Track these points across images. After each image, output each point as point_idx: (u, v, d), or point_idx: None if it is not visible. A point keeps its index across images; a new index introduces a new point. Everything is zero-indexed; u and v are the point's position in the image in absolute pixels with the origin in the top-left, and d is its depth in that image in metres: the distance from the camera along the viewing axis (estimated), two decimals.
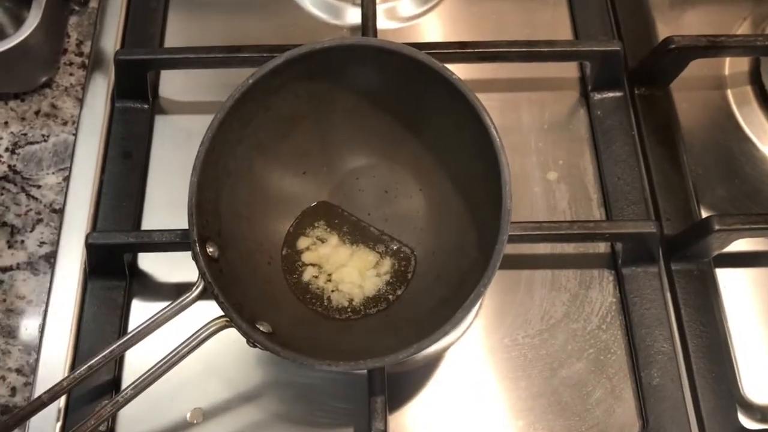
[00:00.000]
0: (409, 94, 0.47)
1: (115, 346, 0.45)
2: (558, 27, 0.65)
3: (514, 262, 0.55)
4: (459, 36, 0.64)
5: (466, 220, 0.47)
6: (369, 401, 0.46)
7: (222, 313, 0.44)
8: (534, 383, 0.52)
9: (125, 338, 0.45)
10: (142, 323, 0.45)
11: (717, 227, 0.50)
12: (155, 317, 0.45)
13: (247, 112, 0.47)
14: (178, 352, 0.44)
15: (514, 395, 0.51)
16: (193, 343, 0.44)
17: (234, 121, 0.46)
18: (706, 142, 0.61)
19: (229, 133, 0.46)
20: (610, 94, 0.61)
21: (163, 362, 0.43)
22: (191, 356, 0.45)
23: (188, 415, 0.51)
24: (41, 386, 0.50)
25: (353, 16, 0.65)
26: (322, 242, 0.52)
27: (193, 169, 0.45)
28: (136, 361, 0.52)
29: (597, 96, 0.61)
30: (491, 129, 0.42)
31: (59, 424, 0.50)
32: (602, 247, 0.56)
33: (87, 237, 0.52)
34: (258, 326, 0.44)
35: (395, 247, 0.51)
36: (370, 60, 0.46)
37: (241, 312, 0.43)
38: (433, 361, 0.52)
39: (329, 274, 0.51)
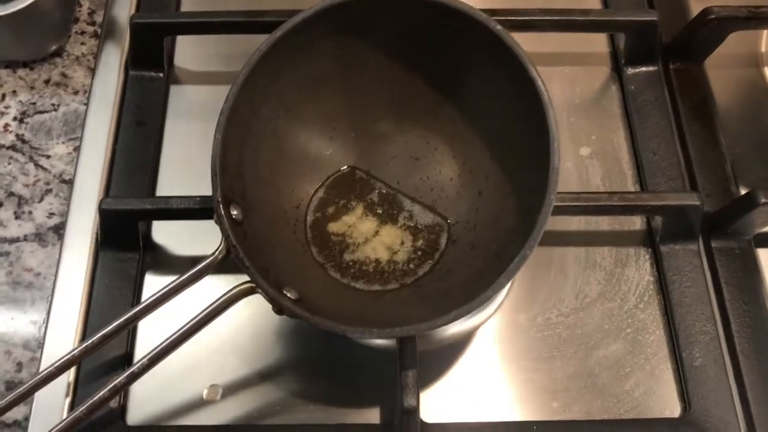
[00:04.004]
0: (446, 52, 0.45)
1: (131, 313, 0.42)
2: (588, 1, 0.63)
3: (546, 239, 0.52)
4: (483, 5, 0.61)
5: (504, 186, 0.45)
6: (399, 375, 0.43)
7: (245, 279, 0.41)
8: (569, 364, 0.49)
9: (141, 305, 0.43)
10: (160, 289, 0.43)
11: (763, 200, 0.48)
12: (174, 282, 0.42)
13: (274, 69, 0.44)
14: (200, 319, 0.41)
15: (548, 376, 0.49)
16: (216, 309, 0.41)
17: (260, 78, 0.44)
18: (743, 120, 0.59)
19: (254, 91, 0.44)
20: (644, 69, 0.59)
21: (186, 327, 0.41)
22: (208, 331, 0.43)
23: (205, 392, 0.48)
24: (48, 362, 0.46)
25: None
26: (349, 211, 0.49)
27: (217, 126, 0.42)
28: (149, 337, 0.49)
29: (630, 70, 0.59)
30: (538, 81, 0.39)
31: (68, 399, 0.47)
32: (638, 224, 0.54)
33: (100, 202, 0.49)
34: (285, 292, 0.41)
35: (427, 217, 0.49)
36: (405, 13, 0.44)
37: (266, 277, 0.40)
38: (464, 340, 0.50)
39: (356, 245, 0.48)
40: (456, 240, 0.47)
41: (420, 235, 0.48)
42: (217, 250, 0.43)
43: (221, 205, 0.41)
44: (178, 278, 0.43)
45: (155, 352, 0.41)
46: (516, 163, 0.44)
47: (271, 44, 0.43)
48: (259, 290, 0.40)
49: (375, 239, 0.48)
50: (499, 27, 0.41)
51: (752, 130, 0.58)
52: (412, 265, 0.47)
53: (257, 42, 0.46)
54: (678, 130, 0.57)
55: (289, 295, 0.41)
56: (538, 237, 0.39)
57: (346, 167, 0.50)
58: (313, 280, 0.45)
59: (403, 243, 0.48)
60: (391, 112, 0.49)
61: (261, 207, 0.45)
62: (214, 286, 0.44)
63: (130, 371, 0.41)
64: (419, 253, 0.48)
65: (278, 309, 0.40)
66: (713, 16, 0.55)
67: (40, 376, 0.42)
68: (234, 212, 0.42)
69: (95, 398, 0.41)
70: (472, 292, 0.40)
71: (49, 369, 0.42)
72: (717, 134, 0.57)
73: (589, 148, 0.57)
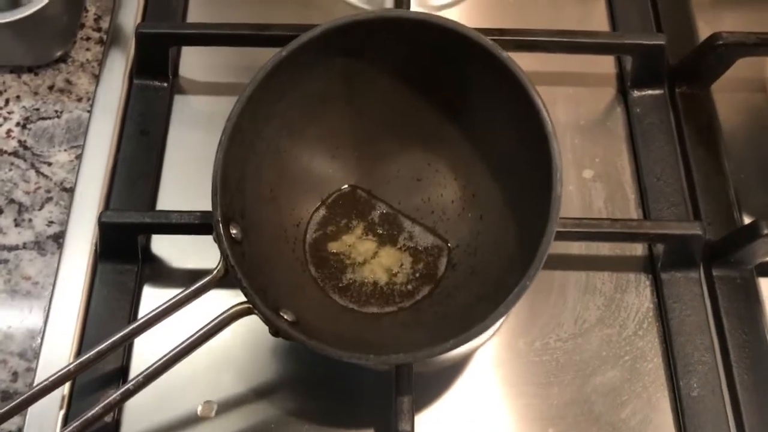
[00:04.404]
0: (450, 75, 0.45)
1: (127, 330, 0.42)
2: (594, 22, 0.63)
3: (547, 263, 0.51)
4: (490, 26, 0.61)
5: (505, 211, 0.45)
6: (395, 401, 0.43)
7: (242, 299, 0.41)
8: (566, 390, 0.49)
9: (137, 322, 0.42)
10: (156, 307, 0.42)
11: (766, 231, 0.48)
12: (170, 301, 0.42)
13: (278, 88, 0.44)
14: (194, 339, 0.41)
15: (544, 402, 0.49)
16: (212, 330, 0.41)
17: (264, 96, 0.43)
18: (748, 145, 0.58)
19: (258, 109, 0.44)
20: (650, 92, 0.58)
21: (178, 348, 0.41)
22: (204, 348, 0.42)
23: (199, 408, 0.48)
24: (44, 372, 0.47)
25: (387, 2, 0.63)
26: (349, 230, 0.49)
27: (219, 145, 0.42)
28: (146, 352, 0.49)
29: (636, 93, 0.58)
30: (542, 111, 0.39)
31: (62, 412, 0.47)
32: (639, 250, 0.53)
33: (100, 215, 0.49)
34: (282, 314, 0.41)
35: (427, 239, 0.49)
36: (411, 36, 0.43)
37: (264, 298, 0.40)
38: (461, 363, 0.49)
39: (355, 265, 0.48)
40: (456, 264, 0.47)
41: (420, 257, 0.48)
42: (215, 268, 0.42)
43: (221, 225, 0.41)
44: (175, 296, 0.42)
45: (150, 370, 0.41)
46: (518, 188, 0.44)
47: (276, 63, 0.42)
48: (256, 312, 0.40)
49: (374, 260, 0.48)
50: (504, 54, 0.40)
51: (757, 156, 0.58)
52: (410, 288, 0.47)
53: (264, 54, 0.46)
54: (682, 154, 0.56)
55: (286, 317, 0.41)
56: (539, 268, 0.38)
57: (347, 186, 0.50)
58: (311, 300, 0.45)
59: (402, 265, 0.48)
60: (394, 133, 0.49)
61: (261, 225, 0.45)
62: (215, 299, 0.44)
63: (124, 388, 0.41)
64: (418, 276, 0.47)
65: (275, 331, 0.40)
66: (721, 42, 0.55)
67: (33, 390, 0.42)
68: (233, 231, 0.42)
69: (88, 415, 0.41)
70: (471, 319, 0.39)
71: (44, 383, 0.42)
72: (722, 160, 0.56)
73: (592, 170, 0.56)
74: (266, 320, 0.40)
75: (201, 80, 0.59)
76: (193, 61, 0.60)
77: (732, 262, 0.51)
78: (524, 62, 0.57)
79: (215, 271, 0.42)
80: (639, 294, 0.52)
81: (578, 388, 0.49)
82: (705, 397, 0.48)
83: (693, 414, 0.47)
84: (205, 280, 0.42)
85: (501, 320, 0.49)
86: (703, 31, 0.60)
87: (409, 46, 0.44)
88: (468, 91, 0.46)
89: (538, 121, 0.39)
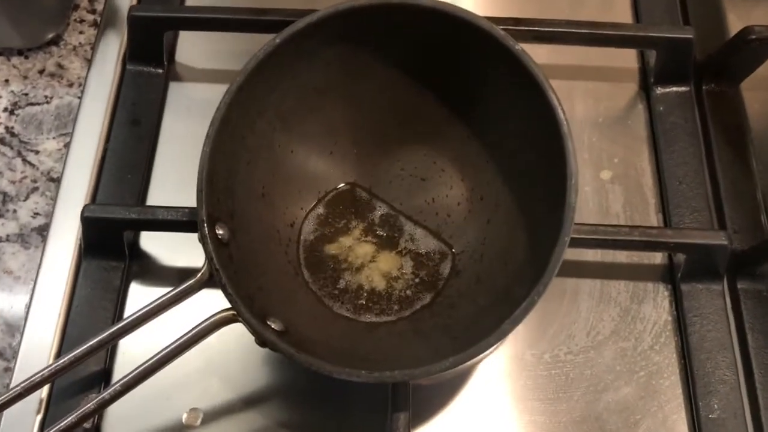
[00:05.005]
0: (458, 67, 0.41)
1: (105, 334, 0.39)
2: (617, 13, 0.59)
3: (559, 269, 0.49)
4: (505, 14, 0.58)
5: (515, 217, 0.41)
6: (390, 417, 0.40)
7: (229, 305, 0.38)
8: (576, 407, 0.46)
9: (117, 326, 0.40)
10: (138, 310, 0.40)
11: None
12: (153, 304, 0.39)
13: (271, 79, 0.41)
14: (175, 347, 0.38)
15: (552, 419, 0.45)
16: (194, 338, 0.38)
17: (256, 87, 0.40)
18: None
19: (249, 101, 0.41)
20: (675, 89, 0.54)
21: (157, 357, 0.38)
22: (191, 352, 0.40)
23: (185, 416, 0.45)
24: (22, 373, 0.44)
25: None
26: (347, 232, 0.46)
27: (206, 138, 0.39)
28: (131, 350, 0.46)
29: (660, 90, 0.55)
30: (558, 111, 0.36)
31: (39, 416, 0.44)
32: (658, 258, 0.50)
33: (83, 210, 0.46)
34: (269, 323, 0.38)
35: (430, 243, 0.46)
36: (415, 23, 0.40)
37: (251, 305, 0.37)
38: (463, 375, 0.46)
39: (352, 270, 0.45)
40: (460, 271, 0.44)
41: (422, 263, 0.45)
42: (200, 271, 0.40)
43: (206, 225, 0.38)
44: (157, 299, 0.40)
45: (128, 378, 0.39)
46: (529, 192, 0.41)
47: (270, 51, 0.39)
48: (241, 320, 0.37)
49: (372, 264, 0.45)
50: (517, 46, 0.37)
51: None
52: (410, 296, 0.44)
53: (265, 40, 0.42)
54: (708, 157, 0.53)
55: (273, 326, 0.38)
56: (549, 281, 0.35)
57: (345, 184, 0.47)
58: (302, 307, 0.42)
59: (402, 270, 0.45)
60: (397, 128, 0.46)
61: (252, 226, 0.42)
62: (209, 297, 0.41)
63: (100, 397, 0.39)
64: (419, 282, 0.44)
65: (261, 342, 0.37)
66: (754, 37, 0.51)
67: (6, 395, 0.39)
68: (220, 232, 0.39)
69: (61, 425, 0.38)
70: (474, 333, 0.36)
71: (16, 389, 0.39)
72: (750, 163, 0.53)
73: (610, 171, 0.53)
74: (252, 330, 0.37)
75: (198, 67, 0.57)
76: (191, 47, 0.57)
77: (758, 274, 0.48)
78: (540, 54, 0.54)
79: (199, 274, 0.39)
80: (657, 305, 0.49)
81: (589, 405, 0.46)
82: (726, 420, 0.45)
83: None
84: (188, 283, 0.39)
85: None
86: (734, 25, 0.57)
87: (414, 35, 0.41)
88: (477, 85, 0.42)
89: (553, 121, 0.36)
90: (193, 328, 0.38)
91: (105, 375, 0.46)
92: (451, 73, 0.43)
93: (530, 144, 0.39)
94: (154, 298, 0.40)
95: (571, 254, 0.50)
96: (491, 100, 0.42)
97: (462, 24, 0.38)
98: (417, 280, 0.44)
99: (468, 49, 0.40)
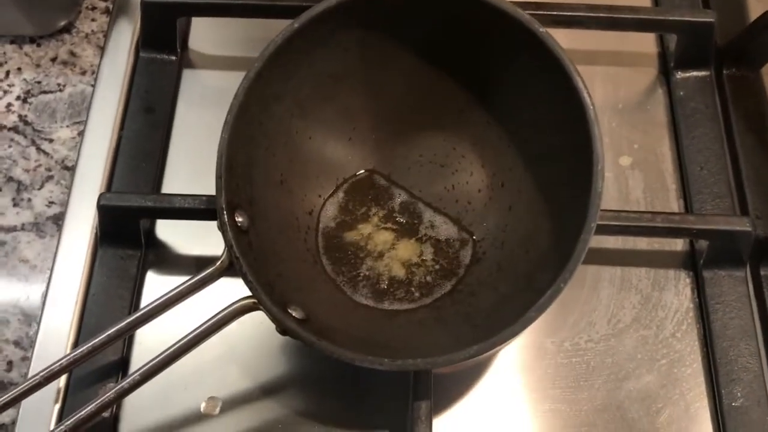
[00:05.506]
0: (479, 51, 0.41)
1: (123, 324, 0.39)
2: None
3: None
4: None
5: (537, 203, 0.41)
6: (411, 406, 0.40)
7: (248, 293, 0.38)
8: (597, 395, 0.45)
9: (135, 315, 0.39)
10: (157, 298, 0.39)
11: None
12: (171, 292, 0.39)
13: (289, 65, 0.40)
14: (195, 335, 0.38)
15: (573, 407, 0.45)
16: (213, 326, 0.38)
17: (273, 73, 0.40)
18: None
19: (267, 87, 0.40)
20: (695, 73, 0.54)
21: (176, 346, 0.38)
22: (209, 340, 0.39)
23: (203, 405, 0.45)
24: (40, 363, 0.44)
25: None
26: (366, 219, 0.45)
27: (224, 125, 0.39)
28: (148, 340, 0.46)
29: (680, 74, 0.54)
30: (584, 95, 0.35)
31: (58, 405, 0.44)
32: (680, 245, 0.49)
33: (99, 198, 0.46)
34: (290, 311, 0.37)
35: (450, 230, 0.45)
36: (435, 6, 0.39)
37: (271, 293, 0.37)
38: (482, 363, 0.46)
39: (371, 257, 0.45)
40: (481, 259, 0.43)
41: (442, 250, 0.44)
42: (219, 259, 0.39)
43: (225, 213, 0.37)
44: (176, 288, 0.39)
45: (147, 367, 0.38)
46: (552, 178, 0.40)
47: (288, 36, 0.39)
48: (262, 308, 0.37)
49: (392, 252, 0.45)
50: (542, 29, 0.36)
51: None
52: (431, 283, 0.43)
53: (281, 26, 0.42)
54: (729, 142, 0.52)
55: (294, 314, 0.38)
56: (576, 267, 0.35)
57: (364, 171, 0.46)
58: (321, 295, 0.42)
59: (422, 258, 0.44)
60: (416, 114, 0.45)
61: (270, 213, 0.41)
62: (227, 285, 0.40)
63: (119, 386, 0.38)
64: (439, 270, 0.44)
65: (282, 330, 0.37)
66: None
67: (24, 385, 0.39)
68: (239, 219, 0.39)
69: (81, 414, 0.38)
70: (496, 321, 0.36)
71: (35, 378, 0.39)
72: None
73: (630, 157, 0.52)
74: (273, 318, 0.37)
75: (212, 54, 0.56)
76: (204, 34, 0.56)
77: None
78: (559, 39, 0.52)
79: (219, 262, 0.39)
80: (678, 293, 0.48)
81: (610, 393, 0.45)
82: (749, 408, 0.44)
83: (735, 426, 0.44)
84: (208, 271, 0.39)
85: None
86: (755, 9, 0.56)
87: (434, 19, 0.40)
88: (498, 69, 0.41)
89: (579, 105, 0.35)
90: (214, 316, 0.38)
91: (122, 364, 0.45)
92: (471, 57, 0.42)
93: (553, 129, 0.39)
94: (172, 287, 0.40)
95: (592, 241, 0.49)
96: (513, 85, 0.41)
97: (486, 7, 0.38)
98: (437, 267, 0.44)
99: (490, 33, 0.39)
